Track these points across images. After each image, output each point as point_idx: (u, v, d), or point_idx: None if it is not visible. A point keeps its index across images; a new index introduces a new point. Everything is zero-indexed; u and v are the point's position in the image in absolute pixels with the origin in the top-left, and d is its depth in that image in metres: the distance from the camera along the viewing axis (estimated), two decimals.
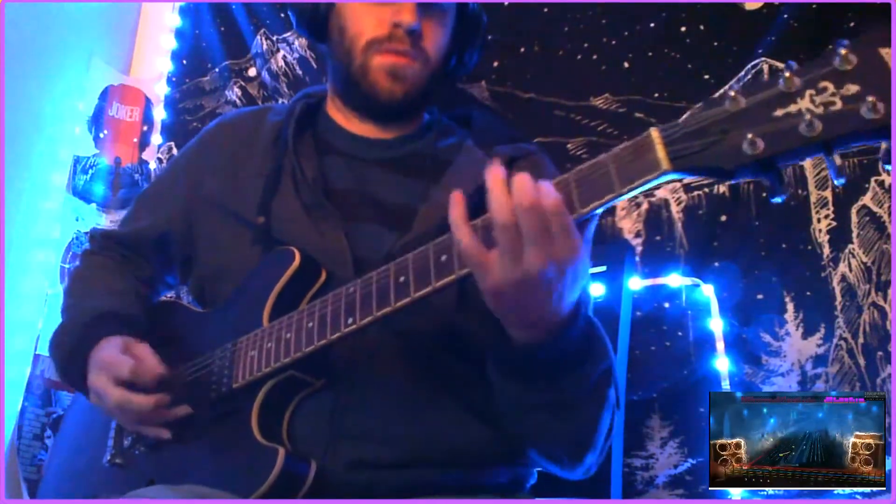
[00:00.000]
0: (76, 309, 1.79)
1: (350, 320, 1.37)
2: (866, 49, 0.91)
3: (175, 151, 3.45)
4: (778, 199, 1.00)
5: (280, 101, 3.21)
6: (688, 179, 2.56)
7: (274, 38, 3.36)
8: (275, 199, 1.71)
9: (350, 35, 1.74)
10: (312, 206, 1.68)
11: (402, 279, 1.33)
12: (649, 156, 1.07)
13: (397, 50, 1.70)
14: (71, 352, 1.69)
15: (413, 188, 1.70)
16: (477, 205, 1.64)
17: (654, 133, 1.08)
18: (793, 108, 0.94)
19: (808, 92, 0.93)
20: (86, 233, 3.27)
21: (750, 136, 0.96)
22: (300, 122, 1.81)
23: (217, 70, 3.48)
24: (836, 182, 0.95)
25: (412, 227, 1.62)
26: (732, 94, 0.99)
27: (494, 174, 1.22)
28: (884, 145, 0.94)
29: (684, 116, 1.06)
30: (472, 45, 1.85)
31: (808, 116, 0.92)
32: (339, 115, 1.85)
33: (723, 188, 2.57)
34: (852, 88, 0.91)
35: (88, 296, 1.81)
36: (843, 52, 0.91)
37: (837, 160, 0.93)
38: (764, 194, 2.52)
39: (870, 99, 0.88)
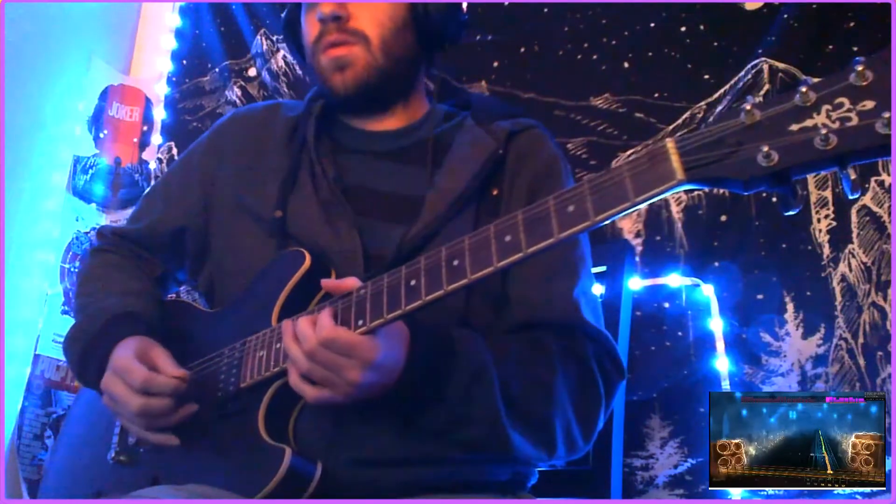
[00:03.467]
0: (92, 308, 1.76)
1: (360, 322, 1.36)
2: (882, 66, 0.91)
3: (175, 151, 3.45)
4: (791, 212, 1.01)
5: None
6: None
7: (274, 38, 3.36)
8: (292, 195, 1.72)
9: (305, 45, 1.78)
10: (330, 203, 1.68)
11: (412, 282, 1.33)
12: (664, 165, 1.08)
13: (330, 42, 1.70)
14: (88, 351, 1.67)
15: (420, 176, 1.71)
16: (482, 184, 1.67)
17: (670, 143, 1.09)
18: (808, 122, 0.95)
19: (825, 107, 0.94)
20: (86, 233, 3.27)
21: (765, 148, 0.97)
22: (319, 120, 1.81)
23: (217, 70, 3.49)
24: (850, 196, 0.96)
25: (420, 215, 1.63)
26: (748, 106, 0.99)
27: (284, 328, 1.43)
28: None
29: (689, 119, 1.07)
30: (439, 5, 1.77)
31: (823, 131, 0.93)
32: (343, 114, 1.85)
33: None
34: (868, 104, 0.91)
35: (104, 295, 1.78)
36: (859, 68, 0.92)
37: (852, 174, 0.94)
38: (764, 194, 2.53)
39: (885, 115, 0.89)
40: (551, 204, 1.21)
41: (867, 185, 2.41)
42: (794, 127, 0.95)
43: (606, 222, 1.14)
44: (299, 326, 1.37)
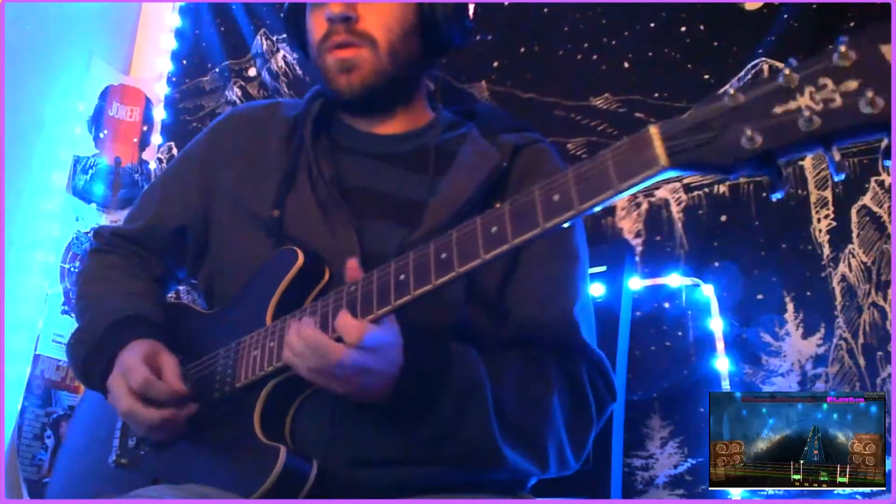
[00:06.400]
0: (95, 311, 1.76)
1: None
2: (865, 45, 0.91)
3: (175, 151, 3.45)
4: (778, 195, 1.00)
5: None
6: (688, 179, 2.56)
7: (274, 38, 3.37)
8: (290, 195, 1.72)
9: (311, 43, 1.78)
10: (327, 203, 1.68)
11: (401, 277, 1.33)
12: (647, 152, 1.07)
13: (337, 43, 1.70)
14: (92, 352, 1.68)
15: (421, 183, 1.71)
16: (485, 196, 1.66)
17: (653, 129, 1.08)
18: (792, 104, 0.94)
19: (808, 88, 0.93)
20: (86, 233, 3.28)
21: (749, 131, 0.96)
22: (317, 120, 1.81)
23: (217, 70, 3.49)
24: (835, 177, 0.95)
25: (422, 221, 1.63)
26: (732, 90, 0.99)
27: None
28: (884, 142, 0.95)
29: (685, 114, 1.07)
30: (446, 12, 1.77)
31: (807, 112, 0.92)
32: (342, 114, 1.85)
33: (723, 188, 2.58)
34: (851, 84, 0.91)
35: (107, 297, 1.79)
36: (842, 48, 0.91)
37: (836, 155, 0.93)
38: (764, 194, 2.52)
39: (868, 94, 0.88)
40: (536, 194, 1.21)
41: (867, 185, 2.41)
42: (778, 109, 0.95)
43: (593, 210, 1.13)
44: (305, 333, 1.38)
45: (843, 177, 0.94)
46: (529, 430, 1.50)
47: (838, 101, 0.91)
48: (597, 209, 1.14)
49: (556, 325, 1.62)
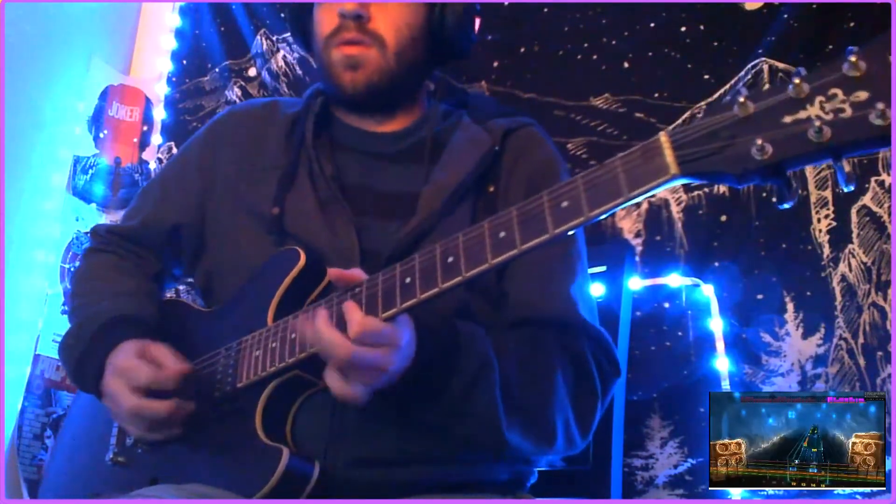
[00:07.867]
0: (87, 311, 1.76)
1: None
2: (876, 55, 0.90)
3: (175, 151, 3.44)
4: (786, 206, 1.00)
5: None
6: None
7: (274, 38, 3.37)
8: (290, 193, 1.72)
9: (316, 36, 1.77)
10: (327, 201, 1.69)
11: (407, 280, 1.33)
12: (658, 160, 1.07)
13: (347, 40, 1.70)
14: (84, 355, 1.67)
15: (417, 174, 1.71)
16: (478, 181, 1.68)
17: (663, 137, 1.08)
18: (802, 114, 0.94)
19: (818, 98, 0.93)
20: (86, 232, 3.27)
21: (759, 141, 0.96)
22: (318, 118, 1.81)
23: (217, 70, 3.49)
24: (844, 188, 0.95)
25: (416, 210, 1.63)
26: (742, 99, 0.99)
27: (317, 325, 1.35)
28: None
29: (689, 119, 1.07)
30: (455, 21, 1.78)
31: (817, 123, 0.91)
32: (342, 112, 1.86)
33: (723, 188, 2.58)
34: (862, 95, 0.90)
35: (99, 297, 1.78)
36: (852, 58, 0.91)
37: (846, 166, 0.93)
38: (764, 194, 2.53)
39: (879, 106, 0.88)
40: (545, 200, 1.20)
41: (867, 185, 2.41)
42: (788, 119, 0.94)
43: (601, 217, 1.13)
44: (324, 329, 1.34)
45: (852, 188, 0.93)
46: (537, 410, 1.49)
47: (848, 111, 0.90)
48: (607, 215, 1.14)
49: (555, 305, 1.63)
